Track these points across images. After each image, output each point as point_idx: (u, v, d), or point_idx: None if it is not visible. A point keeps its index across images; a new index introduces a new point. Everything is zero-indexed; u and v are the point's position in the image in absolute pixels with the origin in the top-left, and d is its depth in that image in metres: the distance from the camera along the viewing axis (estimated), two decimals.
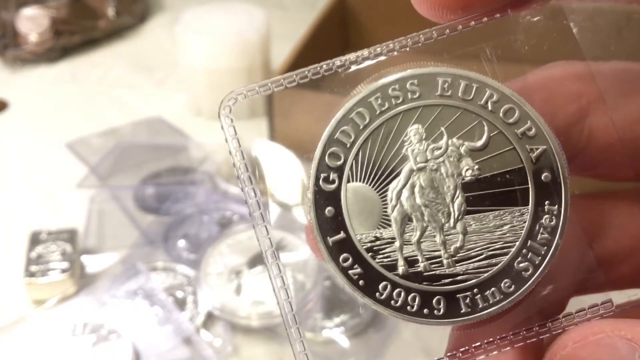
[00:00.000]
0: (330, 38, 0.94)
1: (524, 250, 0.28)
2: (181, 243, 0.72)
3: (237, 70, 0.89)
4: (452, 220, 0.28)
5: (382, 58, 0.29)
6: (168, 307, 0.65)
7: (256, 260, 0.69)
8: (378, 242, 0.29)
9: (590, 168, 0.31)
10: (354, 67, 0.29)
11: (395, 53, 0.29)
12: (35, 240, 0.70)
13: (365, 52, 0.29)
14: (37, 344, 0.62)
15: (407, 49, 0.29)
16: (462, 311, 0.28)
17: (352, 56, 0.29)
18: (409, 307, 0.28)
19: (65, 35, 1.04)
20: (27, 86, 1.00)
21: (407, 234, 0.29)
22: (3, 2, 1.03)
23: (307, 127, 0.29)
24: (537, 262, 0.28)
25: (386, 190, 0.29)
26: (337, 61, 0.29)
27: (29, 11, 1.03)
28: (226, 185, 0.77)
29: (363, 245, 0.28)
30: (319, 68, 0.29)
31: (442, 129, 0.28)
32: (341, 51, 1.05)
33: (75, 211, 0.77)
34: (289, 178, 0.32)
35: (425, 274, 0.28)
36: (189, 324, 0.64)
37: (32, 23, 1.02)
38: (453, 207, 0.28)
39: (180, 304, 0.66)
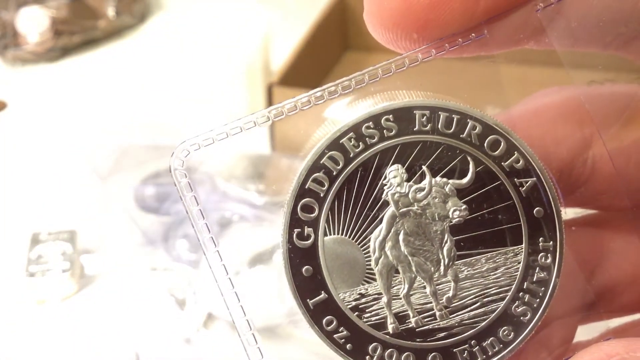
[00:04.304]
0: (330, 38, 0.94)
1: (521, 294, 0.26)
2: (181, 243, 0.72)
3: (237, 70, 0.89)
4: (442, 268, 0.26)
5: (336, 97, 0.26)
6: (168, 307, 0.65)
7: (256, 260, 0.68)
8: (363, 300, 0.26)
9: (591, 200, 0.29)
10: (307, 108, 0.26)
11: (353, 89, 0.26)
12: (35, 240, 0.70)
13: (317, 92, 0.26)
14: (37, 344, 0.62)
15: (363, 84, 0.26)
16: None
17: (303, 97, 0.26)
18: None
19: (65, 35, 1.04)
20: (27, 86, 1.00)
21: (395, 288, 0.26)
22: (3, 2, 1.03)
23: (307, 127, 0.28)
24: (535, 305, 0.26)
25: (368, 242, 0.26)
26: (290, 103, 0.26)
27: (29, 11, 1.02)
28: (226, 186, 0.77)
29: (347, 305, 0.26)
30: (280, 108, 0.26)
31: (424, 167, 0.26)
32: (341, 51, 1.04)
33: (75, 211, 0.77)
34: None
35: (417, 329, 0.26)
36: (189, 324, 0.63)
37: (32, 23, 1.02)
38: (442, 253, 0.26)
39: (180, 304, 0.66)
